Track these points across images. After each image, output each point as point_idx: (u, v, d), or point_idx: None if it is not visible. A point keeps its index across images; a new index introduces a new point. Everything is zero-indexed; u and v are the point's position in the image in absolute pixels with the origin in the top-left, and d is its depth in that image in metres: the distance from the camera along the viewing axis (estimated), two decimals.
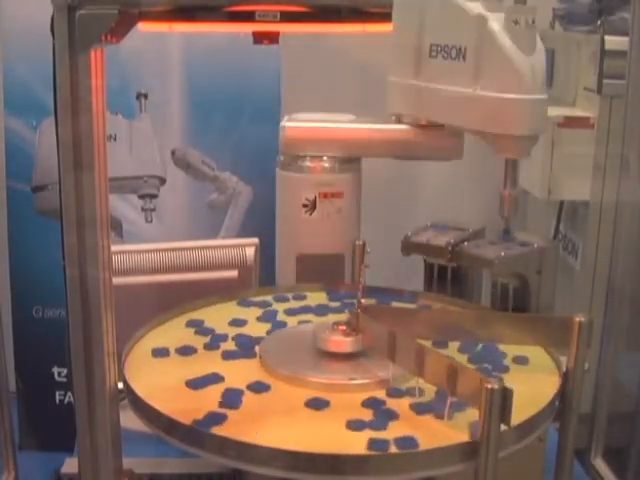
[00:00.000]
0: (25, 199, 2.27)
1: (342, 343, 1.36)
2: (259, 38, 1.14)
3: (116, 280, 1.19)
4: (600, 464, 2.09)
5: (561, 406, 1.27)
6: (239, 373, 1.34)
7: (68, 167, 1.09)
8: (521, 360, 1.38)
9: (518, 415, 1.13)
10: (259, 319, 1.55)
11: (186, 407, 1.22)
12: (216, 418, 1.18)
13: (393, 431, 1.16)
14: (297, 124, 1.89)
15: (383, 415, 1.21)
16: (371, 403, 1.24)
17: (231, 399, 1.24)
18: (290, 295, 1.67)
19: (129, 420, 1.26)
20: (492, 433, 1.07)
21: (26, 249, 2.27)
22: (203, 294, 1.61)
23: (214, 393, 1.26)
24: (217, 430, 1.15)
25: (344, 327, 1.37)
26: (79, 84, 1.06)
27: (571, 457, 1.31)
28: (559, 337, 1.29)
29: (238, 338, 1.46)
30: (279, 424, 1.19)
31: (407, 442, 1.13)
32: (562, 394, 1.27)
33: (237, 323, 1.53)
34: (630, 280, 2.02)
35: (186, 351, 1.41)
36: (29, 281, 2.29)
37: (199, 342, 1.45)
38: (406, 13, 1.49)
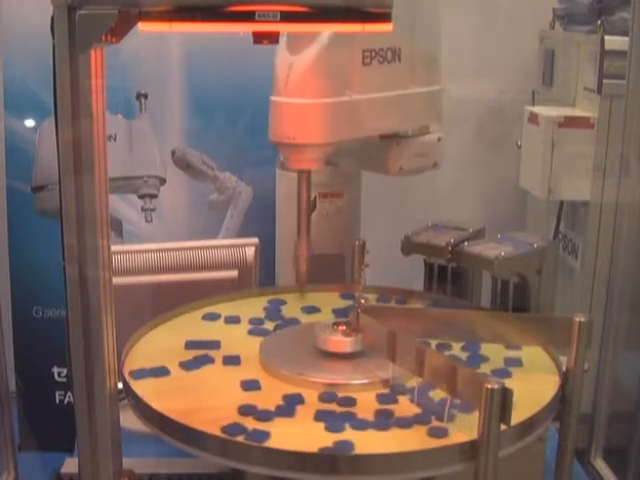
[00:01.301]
0: (25, 199, 2.26)
1: (342, 343, 1.36)
2: (259, 38, 1.14)
3: (116, 280, 1.19)
4: (600, 464, 2.09)
5: (561, 406, 1.27)
6: (239, 373, 1.34)
7: (68, 167, 1.09)
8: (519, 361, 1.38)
9: (518, 415, 1.13)
10: (257, 319, 1.55)
11: (186, 407, 1.22)
12: (213, 417, 1.18)
13: (393, 431, 1.16)
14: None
15: (383, 415, 1.21)
16: (371, 403, 1.24)
17: (230, 399, 1.25)
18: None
19: (129, 420, 1.26)
20: (492, 433, 1.07)
21: (26, 249, 2.27)
22: (203, 294, 1.61)
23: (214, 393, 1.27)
24: (214, 429, 1.15)
25: (344, 327, 1.37)
26: (79, 84, 1.06)
27: (571, 457, 1.31)
28: (559, 337, 1.29)
29: (238, 339, 1.47)
30: (279, 424, 1.19)
31: (407, 442, 1.13)
32: (562, 394, 1.27)
33: (236, 321, 1.53)
34: (630, 280, 2.02)
35: (186, 350, 1.42)
36: (29, 281, 2.28)
37: (198, 341, 1.45)
38: None
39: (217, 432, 1.14)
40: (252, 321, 1.54)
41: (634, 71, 1.94)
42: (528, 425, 1.19)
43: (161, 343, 1.45)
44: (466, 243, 1.82)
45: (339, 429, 1.17)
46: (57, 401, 2.35)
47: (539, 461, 1.45)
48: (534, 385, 1.30)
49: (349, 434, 1.16)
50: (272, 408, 1.22)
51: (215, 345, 1.43)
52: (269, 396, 1.26)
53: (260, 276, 1.78)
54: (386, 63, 1.65)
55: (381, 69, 1.64)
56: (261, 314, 1.57)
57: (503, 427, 1.08)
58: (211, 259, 1.72)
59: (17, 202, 2.29)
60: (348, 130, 1.60)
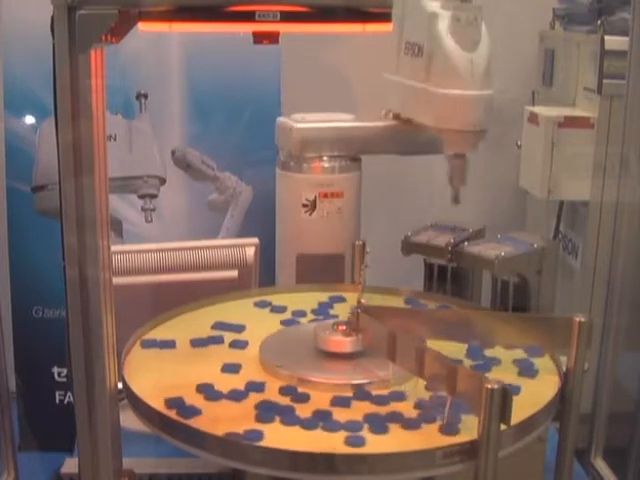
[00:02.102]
0: (25, 199, 2.26)
1: (342, 343, 1.36)
2: (259, 38, 1.14)
3: (116, 280, 1.19)
4: (600, 464, 2.09)
5: (561, 406, 1.27)
6: (238, 373, 1.34)
7: (68, 167, 1.09)
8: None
9: (518, 415, 1.13)
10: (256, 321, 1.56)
11: (185, 407, 1.22)
12: (213, 417, 1.18)
13: (393, 431, 1.16)
14: (307, 125, 1.90)
15: (383, 415, 1.21)
16: (371, 403, 1.24)
17: (230, 399, 1.25)
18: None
19: (129, 420, 1.26)
20: (492, 433, 1.07)
21: (26, 249, 2.26)
22: (203, 294, 1.61)
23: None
24: (215, 429, 1.15)
25: (344, 327, 1.37)
26: (79, 84, 1.06)
27: (571, 457, 1.31)
28: (559, 337, 1.29)
29: (237, 339, 1.47)
30: (279, 424, 1.19)
31: (407, 442, 1.13)
32: (562, 394, 1.27)
33: (236, 321, 1.53)
34: (630, 280, 2.02)
35: (186, 350, 1.42)
36: (29, 281, 2.28)
37: (199, 341, 1.45)
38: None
39: (217, 431, 1.15)
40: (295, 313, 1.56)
41: (634, 71, 1.94)
42: (528, 425, 1.19)
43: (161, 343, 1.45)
44: (466, 243, 1.82)
45: (338, 429, 1.17)
46: (57, 401, 2.35)
47: (539, 461, 1.45)
48: (534, 385, 1.30)
49: (349, 434, 1.16)
50: (272, 408, 1.22)
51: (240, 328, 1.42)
52: (269, 396, 1.26)
53: (260, 276, 1.78)
54: None
55: None
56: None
57: (503, 427, 1.08)
58: (211, 259, 1.71)
59: (17, 202, 2.29)
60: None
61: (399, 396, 1.26)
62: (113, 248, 1.18)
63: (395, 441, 1.14)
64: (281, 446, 1.11)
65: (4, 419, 1.93)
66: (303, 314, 1.57)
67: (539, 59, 2.59)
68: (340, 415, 1.20)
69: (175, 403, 1.23)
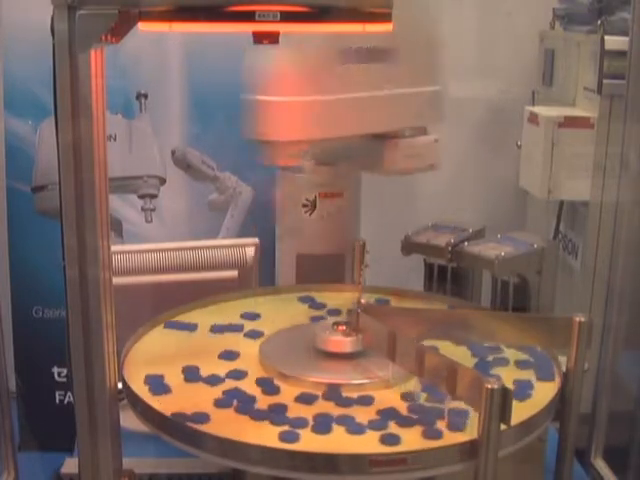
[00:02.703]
0: (25, 199, 2.26)
1: (342, 343, 1.36)
2: (259, 38, 1.14)
3: (116, 280, 1.19)
4: (600, 464, 2.08)
5: (561, 406, 1.27)
6: (239, 373, 1.34)
7: (68, 167, 1.09)
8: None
9: (518, 415, 1.13)
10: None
11: (186, 407, 1.22)
12: (214, 417, 1.19)
13: (393, 431, 1.16)
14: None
15: (383, 415, 1.20)
16: (371, 403, 1.24)
17: (230, 399, 1.25)
18: None
19: (129, 420, 1.26)
20: (492, 433, 1.07)
21: (26, 249, 2.26)
22: (203, 294, 1.61)
23: (214, 393, 1.27)
24: (215, 429, 1.15)
25: (344, 327, 1.37)
26: (79, 84, 1.06)
27: (571, 457, 1.31)
28: (559, 337, 1.29)
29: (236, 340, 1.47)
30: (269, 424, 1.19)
31: (407, 442, 1.13)
32: (562, 394, 1.27)
33: (236, 321, 1.53)
34: (630, 280, 2.02)
35: (185, 351, 1.42)
36: (29, 281, 2.28)
37: (198, 342, 1.45)
38: None
39: (215, 431, 1.15)
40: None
41: (634, 71, 1.94)
42: (528, 425, 1.19)
43: (161, 343, 1.45)
44: (466, 243, 1.82)
45: (338, 429, 1.17)
46: (57, 401, 2.35)
47: (539, 461, 1.45)
48: (534, 385, 1.30)
49: (349, 434, 1.16)
50: (270, 408, 1.22)
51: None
52: (268, 396, 1.26)
53: (260, 276, 1.78)
54: (369, 62, 1.65)
55: (361, 68, 1.64)
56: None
57: (503, 427, 1.08)
58: (211, 259, 1.72)
59: (17, 202, 2.29)
60: (325, 129, 1.61)
61: (398, 396, 1.26)
62: (113, 248, 1.18)
63: (395, 441, 1.14)
64: (281, 446, 1.11)
65: (4, 419, 1.93)
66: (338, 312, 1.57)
67: (539, 59, 2.59)
68: (340, 415, 1.20)
69: (152, 380, 1.26)
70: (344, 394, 1.26)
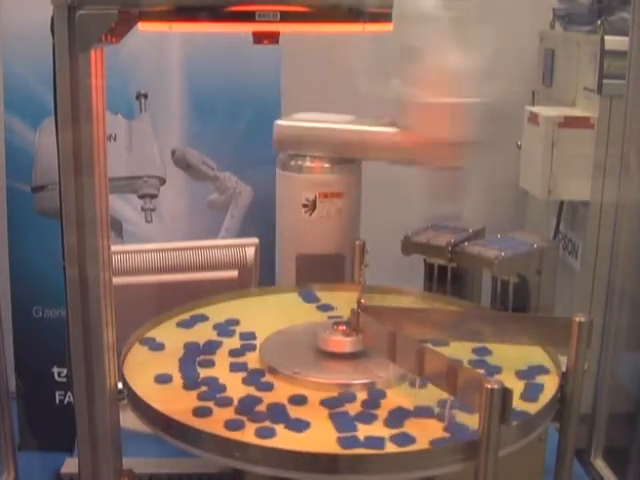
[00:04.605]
0: (25, 199, 2.26)
1: (342, 343, 1.36)
2: (259, 38, 1.14)
3: (116, 280, 1.19)
4: (600, 464, 2.09)
5: (561, 406, 1.27)
6: (239, 373, 1.34)
7: (68, 167, 1.09)
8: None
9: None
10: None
11: (186, 407, 1.22)
12: (214, 417, 1.18)
13: (393, 431, 1.16)
14: (290, 123, 1.89)
15: (382, 415, 1.20)
16: (371, 403, 1.24)
17: (230, 399, 1.25)
18: None
19: (129, 420, 1.26)
20: (492, 433, 1.07)
21: (26, 249, 2.26)
22: (203, 294, 1.61)
23: (214, 393, 1.27)
24: (215, 429, 1.15)
25: (344, 327, 1.37)
26: (79, 84, 1.06)
27: (571, 457, 1.31)
28: (559, 337, 1.29)
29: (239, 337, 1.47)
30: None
31: (407, 442, 1.13)
32: (562, 394, 1.27)
33: (235, 322, 1.53)
34: (630, 280, 2.02)
35: (186, 351, 1.42)
36: (29, 281, 2.28)
37: (199, 342, 1.45)
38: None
39: (215, 431, 1.15)
40: None
41: (634, 71, 1.94)
42: (528, 425, 1.19)
43: (161, 343, 1.45)
44: (466, 243, 1.82)
45: (338, 429, 1.17)
46: (57, 401, 2.35)
47: (539, 461, 1.45)
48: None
49: (348, 434, 1.16)
50: (271, 408, 1.22)
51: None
52: (268, 396, 1.26)
53: (260, 276, 1.78)
54: None
55: None
56: None
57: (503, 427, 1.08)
58: (211, 259, 1.72)
59: (17, 202, 2.29)
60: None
61: (399, 396, 1.26)
62: (113, 248, 1.18)
63: (395, 441, 1.14)
64: (281, 446, 1.11)
65: (4, 419, 1.93)
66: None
67: (539, 59, 2.59)
68: (340, 415, 1.21)
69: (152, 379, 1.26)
70: (344, 394, 1.26)
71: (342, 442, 1.14)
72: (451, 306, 1.58)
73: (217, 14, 1.07)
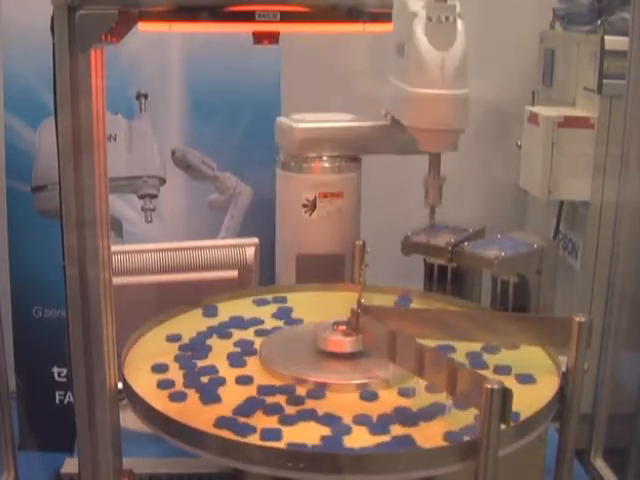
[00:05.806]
0: (25, 199, 2.26)
1: (342, 343, 1.36)
2: (259, 38, 1.14)
3: (116, 280, 1.19)
4: (600, 464, 2.09)
5: (561, 406, 1.27)
6: (239, 373, 1.34)
7: (68, 167, 1.09)
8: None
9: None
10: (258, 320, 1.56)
11: (186, 407, 1.22)
12: (214, 417, 1.19)
13: (393, 431, 1.16)
14: (307, 125, 1.90)
15: (383, 415, 1.21)
16: (371, 403, 1.24)
17: (230, 399, 1.25)
18: None
19: (129, 420, 1.26)
20: (492, 433, 1.07)
21: (26, 249, 2.26)
22: (203, 294, 1.61)
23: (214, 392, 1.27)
24: (215, 429, 1.15)
25: (344, 327, 1.37)
26: (79, 84, 1.06)
27: (571, 457, 1.31)
28: (559, 337, 1.29)
29: (236, 339, 1.47)
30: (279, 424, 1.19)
31: (407, 442, 1.13)
32: (562, 394, 1.27)
33: (236, 321, 1.53)
34: (630, 280, 2.02)
35: (186, 351, 1.42)
36: (29, 281, 2.28)
37: (198, 342, 1.45)
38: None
39: (215, 431, 1.15)
40: None
41: (634, 71, 1.94)
42: (528, 425, 1.19)
43: (161, 343, 1.45)
44: (466, 243, 1.82)
45: (338, 429, 1.17)
46: (57, 401, 2.35)
47: (539, 461, 1.45)
48: (534, 385, 1.30)
49: (348, 434, 1.16)
50: (271, 408, 1.22)
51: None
52: (268, 396, 1.26)
53: (260, 276, 1.78)
54: None
55: None
56: None
57: (503, 427, 1.08)
58: (211, 259, 1.72)
59: (17, 202, 2.29)
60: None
61: (399, 396, 1.26)
62: (113, 248, 1.18)
63: (395, 441, 1.14)
64: (281, 446, 1.11)
65: (4, 419, 1.93)
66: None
67: (539, 59, 2.59)
68: (340, 415, 1.21)
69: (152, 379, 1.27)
70: (343, 394, 1.26)
71: (342, 442, 1.14)
72: (451, 306, 1.58)
73: (217, 14, 1.07)
